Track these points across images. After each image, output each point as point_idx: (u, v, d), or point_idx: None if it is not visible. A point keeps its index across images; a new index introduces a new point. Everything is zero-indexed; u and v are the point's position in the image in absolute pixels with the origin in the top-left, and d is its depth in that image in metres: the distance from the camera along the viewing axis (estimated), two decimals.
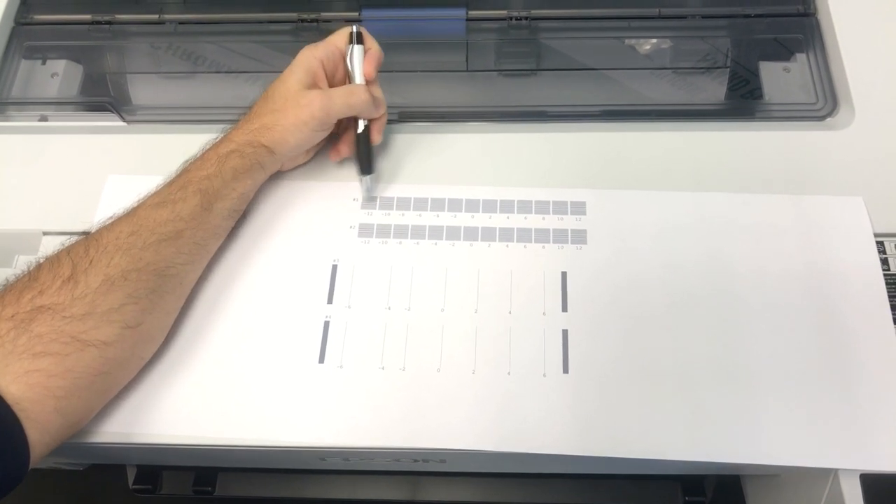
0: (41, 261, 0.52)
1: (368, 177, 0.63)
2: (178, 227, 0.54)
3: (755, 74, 0.73)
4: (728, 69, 0.75)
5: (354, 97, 0.60)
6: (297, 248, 0.61)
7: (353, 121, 0.63)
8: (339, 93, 0.60)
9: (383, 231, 0.62)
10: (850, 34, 0.71)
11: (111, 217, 0.55)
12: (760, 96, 0.72)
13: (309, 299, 0.59)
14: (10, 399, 0.45)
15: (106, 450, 0.57)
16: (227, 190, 0.57)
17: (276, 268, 0.60)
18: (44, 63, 0.77)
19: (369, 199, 0.64)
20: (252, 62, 0.78)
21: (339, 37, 0.63)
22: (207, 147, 0.59)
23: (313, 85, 0.60)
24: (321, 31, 0.77)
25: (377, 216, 0.63)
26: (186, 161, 0.59)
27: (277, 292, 0.59)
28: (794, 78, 0.72)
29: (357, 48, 0.62)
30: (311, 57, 0.61)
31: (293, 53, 0.77)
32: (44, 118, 0.73)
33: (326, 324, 0.58)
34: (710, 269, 0.60)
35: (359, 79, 0.62)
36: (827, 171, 0.64)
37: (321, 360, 0.57)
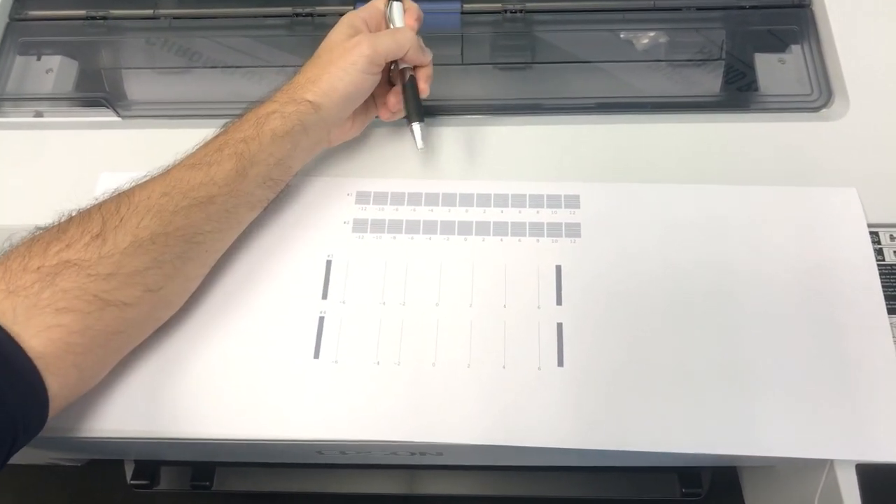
0: (73, 213, 0.51)
1: (419, 125, 0.62)
2: (211, 192, 0.53)
3: (750, 66, 0.73)
4: (723, 61, 0.74)
5: (400, 35, 0.59)
6: (291, 243, 0.61)
7: (400, 74, 0.62)
8: (386, 32, 0.60)
9: (377, 226, 0.62)
10: (845, 25, 0.70)
11: (145, 175, 0.54)
12: (756, 88, 0.72)
13: (303, 295, 0.59)
14: (33, 353, 0.46)
15: (103, 444, 0.57)
16: (263, 154, 0.55)
17: (270, 263, 0.60)
18: (39, 59, 0.76)
19: (420, 148, 0.62)
20: (247, 57, 0.77)
21: (380, 1, 0.63)
22: (249, 108, 0.57)
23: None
24: (316, 25, 0.77)
25: (371, 211, 0.63)
26: (227, 122, 0.57)
27: (272, 288, 0.59)
28: (789, 69, 0.72)
29: (396, 4, 0.62)
30: (354, 16, 0.60)
31: (288, 48, 0.78)
32: (39, 114, 0.72)
33: (321, 319, 0.58)
34: (705, 262, 0.59)
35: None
36: (821, 162, 0.64)
37: (316, 356, 0.56)
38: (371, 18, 0.61)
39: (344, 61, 0.57)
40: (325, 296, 0.59)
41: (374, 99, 0.64)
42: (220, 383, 0.56)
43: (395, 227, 0.62)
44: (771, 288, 0.58)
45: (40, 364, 0.46)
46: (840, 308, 0.57)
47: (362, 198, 0.64)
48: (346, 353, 0.57)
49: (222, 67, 0.77)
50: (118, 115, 0.71)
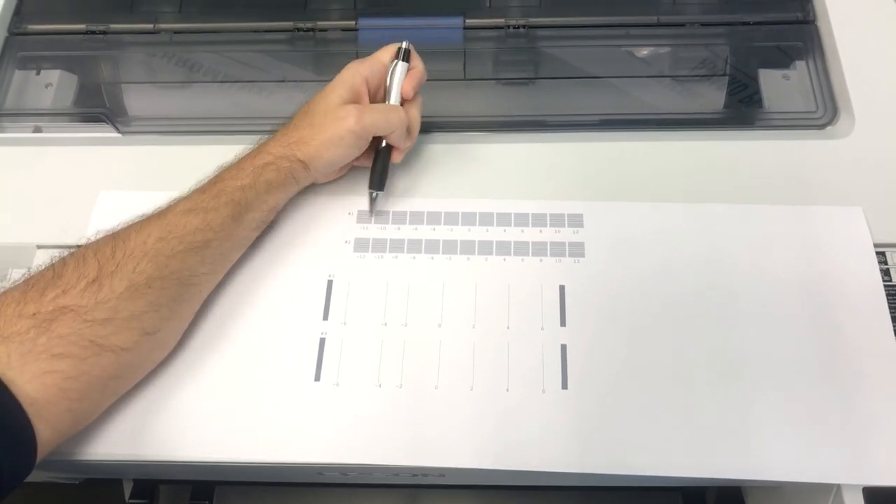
0: (66, 257, 0.52)
1: (377, 193, 0.62)
2: (207, 237, 0.54)
3: (755, 82, 0.73)
4: (727, 77, 0.74)
5: (391, 115, 0.60)
6: (292, 263, 0.61)
7: (375, 140, 0.62)
8: (376, 108, 0.60)
9: (379, 245, 0.62)
10: (850, 42, 0.70)
11: (140, 216, 0.55)
12: (760, 104, 0.72)
13: (304, 316, 0.58)
14: (25, 399, 0.45)
15: (102, 466, 0.57)
16: (258, 202, 0.57)
17: (271, 284, 0.60)
18: (38, 73, 0.76)
19: (370, 214, 0.63)
20: (249, 71, 0.77)
21: (386, 53, 0.62)
22: (243, 155, 0.59)
23: (354, 101, 0.60)
24: (317, 40, 0.76)
25: (373, 230, 0.62)
26: (220, 167, 0.58)
27: (272, 309, 0.59)
28: (793, 86, 0.72)
29: (400, 66, 0.62)
30: (356, 73, 0.60)
31: (290, 62, 0.77)
32: (38, 129, 0.72)
33: (322, 341, 0.57)
34: (709, 282, 0.59)
35: (395, 97, 0.61)
36: (826, 181, 0.64)
37: (317, 378, 0.56)
38: (373, 75, 0.61)
39: (332, 132, 0.58)
40: (325, 317, 0.59)
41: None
42: (220, 406, 0.55)
43: (396, 246, 0.62)
44: (775, 309, 0.58)
45: (33, 410, 0.46)
46: (846, 329, 0.57)
47: (364, 217, 0.63)
48: (347, 375, 0.56)
49: (223, 82, 0.77)
50: (118, 130, 0.71)
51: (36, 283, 0.50)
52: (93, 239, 0.54)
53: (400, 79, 0.62)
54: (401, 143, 0.62)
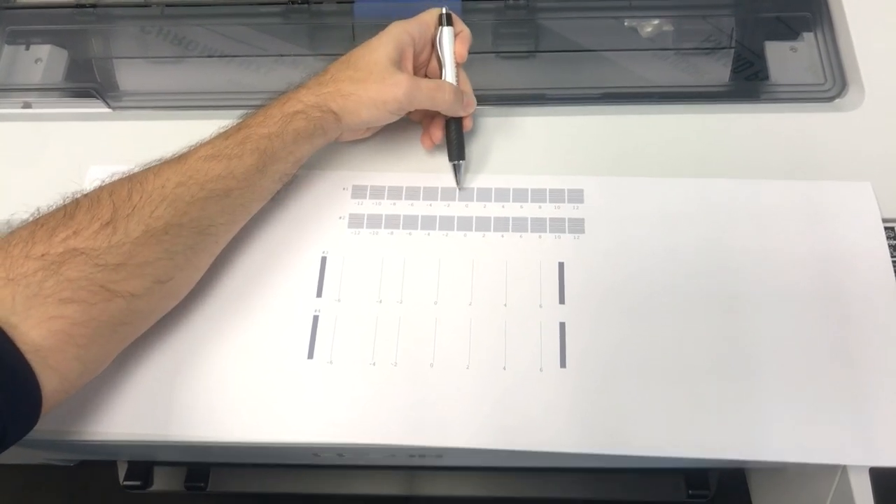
0: (79, 197, 0.50)
1: (461, 163, 0.61)
2: (229, 186, 0.52)
3: (760, 55, 0.71)
4: (732, 49, 0.72)
5: (441, 94, 0.58)
6: (285, 239, 0.60)
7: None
8: (428, 85, 0.58)
9: (374, 221, 0.61)
10: (859, 11, 0.68)
11: (158, 159, 0.53)
12: (766, 77, 0.70)
13: (297, 293, 0.58)
14: (30, 345, 0.44)
15: (96, 447, 0.56)
16: (284, 153, 0.55)
17: (263, 261, 0.59)
18: (27, 48, 0.75)
19: (458, 187, 0.62)
20: (242, 46, 0.75)
21: (429, 15, 0.61)
22: (271, 103, 0.57)
23: (401, 62, 0.58)
24: (312, 13, 0.75)
25: (367, 205, 0.61)
26: (244, 114, 0.56)
27: (264, 286, 0.58)
28: (801, 58, 0.70)
29: (447, 31, 0.61)
30: (405, 31, 0.59)
31: (284, 37, 0.76)
32: (27, 105, 0.71)
33: (315, 318, 0.57)
34: (713, 259, 0.58)
35: (450, 63, 0.60)
36: (835, 155, 0.63)
37: (310, 356, 0.55)
38: (420, 37, 0.60)
39: (377, 94, 0.56)
40: (319, 294, 0.58)
41: (418, 116, 0.64)
42: (212, 385, 0.54)
43: (392, 222, 0.61)
44: (781, 286, 0.57)
45: (38, 357, 0.44)
46: (853, 307, 0.56)
47: (358, 192, 0.62)
48: (341, 353, 0.55)
49: (217, 56, 0.75)
50: (108, 106, 0.70)
51: (46, 222, 0.48)
52: (148, 165, 0.52)
53: (450, 45, 0.61)
54: (455, 112, 0.61)
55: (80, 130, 0.67)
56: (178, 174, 0.51)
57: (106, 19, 0.76)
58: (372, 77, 0.56)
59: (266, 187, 0.56)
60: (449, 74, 0.60)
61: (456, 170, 0.62)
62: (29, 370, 0.44)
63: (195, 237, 0.52)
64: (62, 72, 0.75)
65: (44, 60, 0.74)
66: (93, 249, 0.47)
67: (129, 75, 0.76)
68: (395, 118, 0.59)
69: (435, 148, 0.64)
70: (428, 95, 0.58)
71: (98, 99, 0.70)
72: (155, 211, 0.49)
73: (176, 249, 0.50)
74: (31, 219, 0.49)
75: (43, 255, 0.45)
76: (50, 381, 0.45)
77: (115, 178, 0.51)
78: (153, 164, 0.52)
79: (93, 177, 0.62)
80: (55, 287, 0.45)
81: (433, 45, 0.61)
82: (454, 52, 0.61)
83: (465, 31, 0.62)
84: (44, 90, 0.73)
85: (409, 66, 0.59)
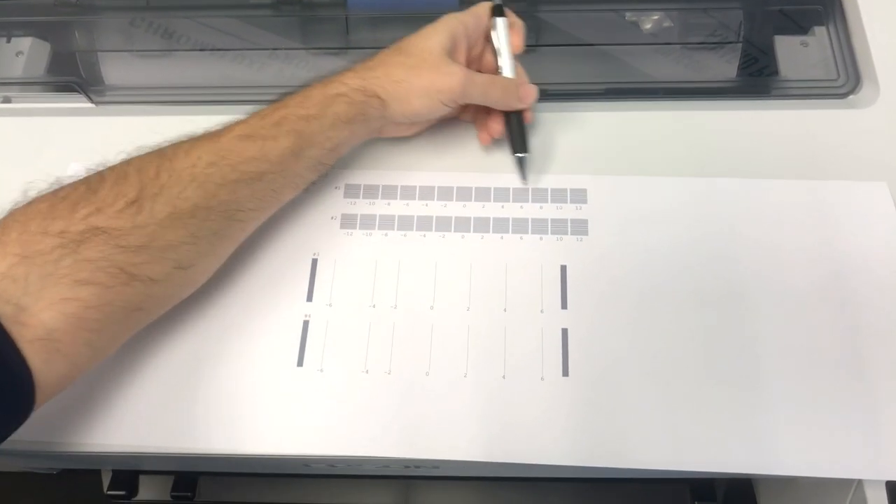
0: (103, 171, 0.47)
1: (525, 156, 0.60)
2: (262, 169, 0.50)
3: (770, 49, 0.70)
4: (740, 44, 0.71)
5: (494, 89, 0.58)
6: (273, 240, 0.58)
7: None
8: (482, 79, 0.57)
9: (367, 222, 0.59)
10: (874, 4, 0.67)
11: (188, 135, 0.51)
12: (776, 73, 0.69)
13: (287, 297, 0.56)
14: (41, 328, 0.42)
15: (80, 457, 0.55)
16: (322, 137, 0.53)
17: (251, 262, 0.57)
18: (8, 41, 0.73)
19: (525, 181, 0.60)
20: (232, 39, 0.73)
21: (481, 7, 0.60)
22: (313, 84, 0.54)
23: (453, 52, 0.57)
24: (304, 5, 0.73)
25: (361, 205, 0.60)
26: (283, 94, 0.54)
27: (252, 289, 0.56)
28: (812, 53, 0.69)
29: (501, 21, 0.60)
30: (460, 22, 0.57)
31: (274, 30, 0.74)
32: (7, 100, 0.69)
33: (306, 323, 0.55)
34: (721, 263, 0.56)
35: (507, 54, 0.60)
36: (848, 154, 0.61)
37: (300, 364, 0.53)
38: (473, 29, 0.59)
39: (431, 82, 0.55)
40: (309, 298, 0.56)
41: (469, 116, 0.63)
42: (197, 394, 0.53)
43: (386, 222, 0.59)
44: (792, 291, 0.55)
45: (48, 342, 0.42)
46: (868, 313, 0.54)
47: (351, 191, 0.61)
48: (332, 360, 0.54)
49: (205, 50, 0.73)
50: (91, 100, 0.68)
51: (67, 195, 0.45)
52: (177, 141, 0.50)
53: (506, 35, 0.60)
54: (513, 107, 0.59)
55: (62, 126, 0.66)
56: (210, 153, 0.49)
57: (90, 11, 0.74)
58: (426, 65, 0.55)
59: (300, 174, 0.54)
60: (506, 65, 0.60)
61: (521, 164, 0.60)
62: (23, 363, 0.41)
63: (222, 222, 0.49)
64: (44, 65, 0.73)
65: (25, 53, 0.72)
66: (115, 229, 0.44)
67: (114, 69, 0.74)
68: (444, 112, 0.57)
69: (433, 147, 0.62)
70: (482, 90, 0.57)
71: (80, 93, 0.68)
72: (183, 192, 0.47)
73: (201, 234, 0.48)
74: (50, 190, 0.47)
75: (62, 233, 0.43)
76: (58, 367, 0.43)
77: (143, 151, 0.49)
78: (184, 139, 0.50)
79: (71, 173, 0.60)
80: (72, 267, 0.43)
81: (487, 39, 0.60)
82: (510, 44, 0.60)
83: (519, 23, 0.61)
84: (25, 84, 0.71)
85: (462, 58, 0.58)
